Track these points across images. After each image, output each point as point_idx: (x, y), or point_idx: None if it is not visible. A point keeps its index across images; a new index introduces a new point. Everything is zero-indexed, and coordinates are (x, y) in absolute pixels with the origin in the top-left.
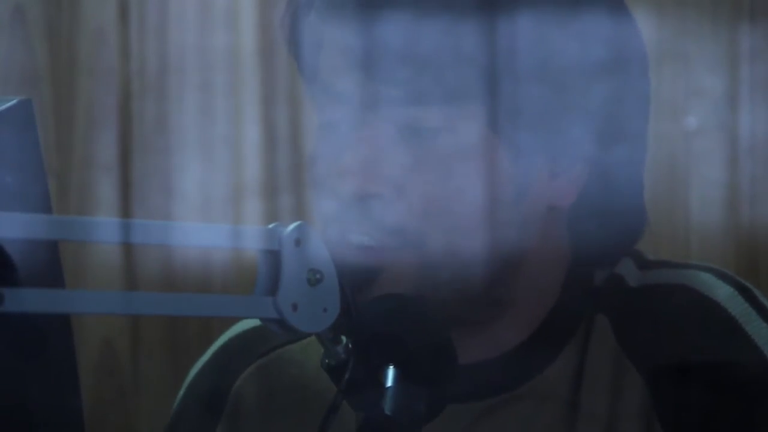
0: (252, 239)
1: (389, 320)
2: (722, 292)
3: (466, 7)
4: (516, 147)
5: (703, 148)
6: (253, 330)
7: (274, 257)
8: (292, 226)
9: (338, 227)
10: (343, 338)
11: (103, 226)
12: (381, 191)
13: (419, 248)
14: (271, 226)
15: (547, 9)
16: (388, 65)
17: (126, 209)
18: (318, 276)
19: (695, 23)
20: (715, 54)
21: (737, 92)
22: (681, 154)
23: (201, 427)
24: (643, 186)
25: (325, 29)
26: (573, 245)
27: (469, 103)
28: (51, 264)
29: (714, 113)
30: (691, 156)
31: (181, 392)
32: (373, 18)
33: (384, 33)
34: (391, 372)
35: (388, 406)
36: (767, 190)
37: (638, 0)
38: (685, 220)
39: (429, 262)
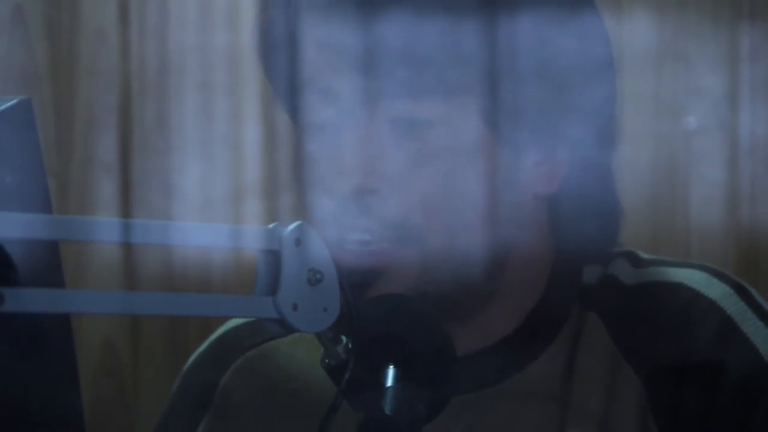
0: (252, 239)
1: (389, 320)
2: (718, 291)
3: (457, 3)
4: (505, 136)
5: (703, 148)
6: (248, 323)
7: (274, 257)
8: (292, 226)
9: (336, 225)
10: (343, 338)
11: (103, 226)
12: (378, 187)
13: (418, 242)
14: (271, 226)
15: (532, 7)
16: (382, 60)
17: (126, 209)
18: (318, 276)
19: (695, 23)
20: (715, 54)
21: (737, 92)
22: (681, 154)
23: (190, 416)
24: (615, 178)
25: (316, 27)
26: (556, 238)
27: (462, 95)
28: (51, 264)
29: (714, 113)
30: (691, 156)
31: (177, 382)
32: (367, 14)
33: (377, 29)
34: (391, 372)
35: (388, 406)
36: (767, 190)
37: (638, 0)
38: (685, 220)
39: (429, 256)
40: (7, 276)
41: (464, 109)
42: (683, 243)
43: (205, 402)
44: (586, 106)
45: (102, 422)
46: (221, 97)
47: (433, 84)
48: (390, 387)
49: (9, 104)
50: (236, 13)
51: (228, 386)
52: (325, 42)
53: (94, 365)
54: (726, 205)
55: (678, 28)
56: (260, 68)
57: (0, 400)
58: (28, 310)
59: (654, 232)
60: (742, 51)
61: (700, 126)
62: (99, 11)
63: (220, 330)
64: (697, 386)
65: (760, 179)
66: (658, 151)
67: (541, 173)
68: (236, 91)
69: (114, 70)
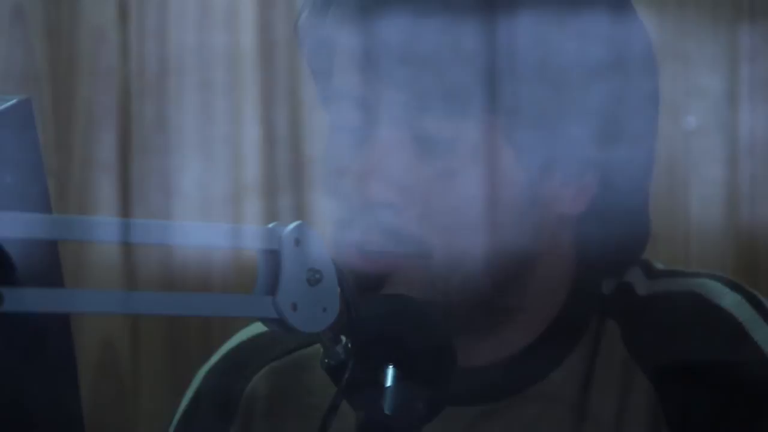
0: (252, 239)
1: (389, 320)
2: (730, 300)
3: (480, 16)
4: (527, 155)
5: (703, 148)
6: (265, 334)
7: (273, 257)
8: (291, 226)
9: (347, 232)
10: (343, 338)
11: (103, 226)
12: (393, 200)
13: (429, 256)
14: (270, 225)
15: (551, 11)
16: (402, 74)
17: (126, 209)
18: (317, 276)
19: (695, 23)
20: (715, 54)
21: (737, 92)
22: (681, 154)
23: (216, 423)
24: (649, 194)
25: (340, 34)
26: (580, 252)
27: (486, 115)
28: (51, 264)
29: (714, 113)
30: (691, 156)
31: (189, 394)
32: (390, 24)
33: (407, 46)
34: (390, 372)
35: (387, 406)
36: (767, 190)
37: (638, 0)
38: (685, 220)
39: (438, 269)
40: (7, 276)
41: (488, 129)
42: (683, 243)
43: (230, 411)
44: (618, 125)
45: (102, 422)
46: (221, 97)
47: (459, 104)
48: (390, 387)
49: (9, 104)
50: (236, 13)
51: (254, 395)
52: (356, 52)
53: (94, 365)
54: (726, 205)
55: (678, 28)
56: (304, 61)
57: (0, 400)
58: (28, 310)
59: (654, 232)
60: (742, 51)
61: (700, 126)
62: (99, 11)
63: (234, 341)
64: (709, 394)
65: (760, 179)
66: (658, 150)
67: (567, 193)
68: (236, 91)
69: (114, 70)
